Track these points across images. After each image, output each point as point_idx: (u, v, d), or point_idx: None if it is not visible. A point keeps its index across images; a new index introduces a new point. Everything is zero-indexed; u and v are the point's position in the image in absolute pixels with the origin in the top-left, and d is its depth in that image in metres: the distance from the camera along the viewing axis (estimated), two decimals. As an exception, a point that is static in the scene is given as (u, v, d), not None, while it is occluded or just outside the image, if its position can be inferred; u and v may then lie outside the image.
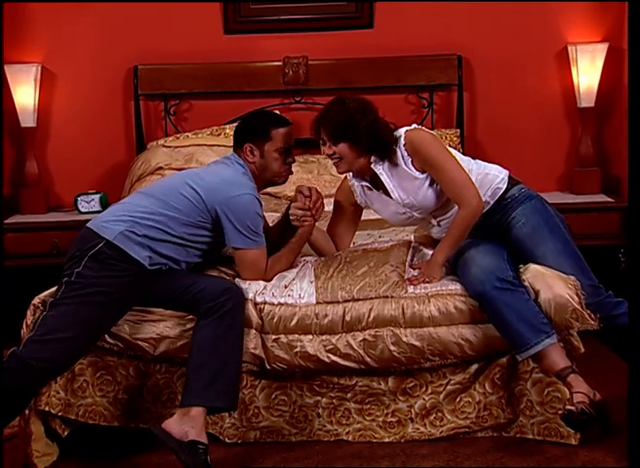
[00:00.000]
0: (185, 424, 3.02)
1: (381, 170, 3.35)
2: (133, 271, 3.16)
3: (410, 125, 3.42)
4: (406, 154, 3.31)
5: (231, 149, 3.46)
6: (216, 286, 3.20)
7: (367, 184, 3.42)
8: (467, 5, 4.85)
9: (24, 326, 3.21)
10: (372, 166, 3.35)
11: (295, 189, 3.48)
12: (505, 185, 3.39)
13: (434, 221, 3.41)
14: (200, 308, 3.15)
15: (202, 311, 3.15)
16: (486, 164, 3.46)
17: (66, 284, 3.13)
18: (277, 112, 3.55)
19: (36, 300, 3.25)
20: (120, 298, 3.16)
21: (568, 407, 2.98)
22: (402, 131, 3.35)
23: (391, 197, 3.37)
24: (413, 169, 3.31)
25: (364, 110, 3.30)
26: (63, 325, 3.07)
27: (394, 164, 3.33)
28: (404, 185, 3.34)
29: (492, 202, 3.37)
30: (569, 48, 4.80)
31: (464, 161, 3.39)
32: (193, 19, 4.91)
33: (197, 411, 3.05)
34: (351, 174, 3.45)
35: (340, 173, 3.42)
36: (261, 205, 3.32)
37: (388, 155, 3.33)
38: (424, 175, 3.31)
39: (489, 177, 3.40)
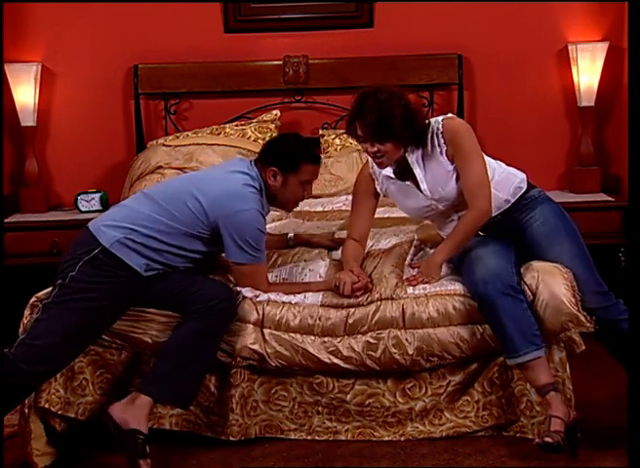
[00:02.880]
0: (128, 413, 3.04)
1: (414, 159, 3.31)
2: (127, 278, 3.16)
3: (446, 114, 3.42)
4: (442, 142, 3.28)
5: (230, 148, 3.43)
6: (206, 290, 3.18)
7: (391, 175, 3.37)
8: (468, 4, 4.85)
9: (22, 325, 3.21)
10: (406, 154, 3.31)
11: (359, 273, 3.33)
12: (526, 186, 3.39)
13: (455, 216, 3.37)
14: (188, 310, 3.16)
15: (189, 313, 3.16)
16: (506, 166, 3.46)
17: (60, 286, 3.13)
18: (313, 143, 3.46)
19: (34, 300, 3.25)
20: (113, 305, 3.15)
21: (546, 439, 2.99)
22: (439, 119, 3.32)
23: (419, 188, 3.34)
24: (446, 158, 3.28)
25: (396, 99, 3.22)
26: (54, 330, 3.06)
27: (428, 153, 3.30)
28: (434, 176, 3.30)
29: (512, 200, 3.36)
30: (569, 47, 4.80)
31: (490, 164, 3.37)
32: (193, 19, 4.91)
33: (144, 401, 3.07)
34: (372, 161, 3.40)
35: (382, 168, 3.33)
36: (265, 220, 3.30)
37: (423, 143, 3.29)
38: (454, 167, 3.28)
39: (510, 177, 3.40)
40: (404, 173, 3.36)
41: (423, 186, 3.32)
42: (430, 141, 3.29)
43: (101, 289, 3.11)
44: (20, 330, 3.20)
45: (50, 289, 3.21)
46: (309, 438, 3.32)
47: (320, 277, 3.39)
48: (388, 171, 3.38)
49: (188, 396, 3.17)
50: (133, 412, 3.05)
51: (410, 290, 3.27)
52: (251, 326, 3.25)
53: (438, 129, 3.29)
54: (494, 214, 3.34)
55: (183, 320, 3.17)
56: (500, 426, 3.30)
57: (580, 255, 3.31)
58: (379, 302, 3.25)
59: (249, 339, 3.23)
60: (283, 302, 3.28)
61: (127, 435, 3.02)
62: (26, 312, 3.23)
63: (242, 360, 3.25)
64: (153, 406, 3.12)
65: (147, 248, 3.18)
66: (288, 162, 3.29)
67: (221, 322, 3.18)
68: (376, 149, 3.23)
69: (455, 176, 3.28)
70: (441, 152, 3.28)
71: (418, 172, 3.31)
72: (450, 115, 3.39)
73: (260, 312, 3.26)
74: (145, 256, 3.18)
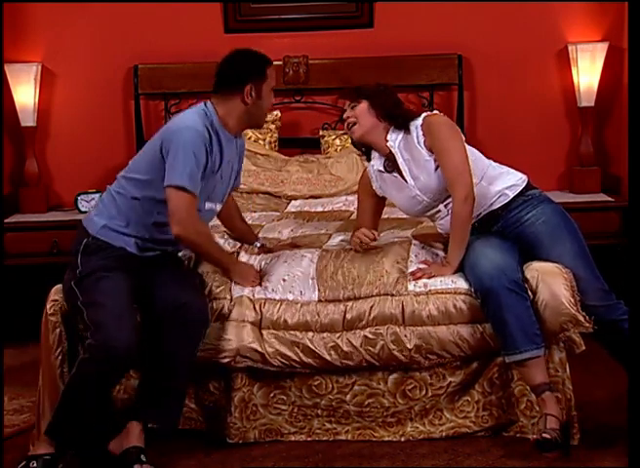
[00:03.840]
0: (123, 442, 3.09)
1: (397, 149, 3.37)
2: (124, 253, 3.21)
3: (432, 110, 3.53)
4: (421, 133, 3.33)
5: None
6: (176, 298, 3.16)
7: (381, 168, 3.44)
8: (468, 4, 4.86)
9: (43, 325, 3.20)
10: (388, 144, 3.37)
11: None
12: (525, 184, 3.40)
13: (442, 207, 3.39)
14: (160, 319, 3.18)
15: (162, 325, 3.17)
16: (508, 168, 3.48)
17: (77, 285, 3.16)
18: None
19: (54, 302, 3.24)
20: (128, 269, 3.18)
21: (543, 435, 3.00)
22: (423, 114, 3.40)
23: (404, 179, 3.38)
24: (424, 148, 3.32)
25: (387, 89, 3.48)
26: (106, 305, 3.07)
27: (408, 143, 3.35)
28: (414, 164, 3.35)
29: (511, 194, 3.36)
30: (569, 47, 4.80)
31: (483, 160, 3.41)
32: (193, 19, 4.91)
33: (133, 426, 3.10)
34: (371, 163, 3.49)
35: (355, 138, 3.43)
36: (205, 142, 3.18)
37: (405, 128, 3.36)
38: (433, 158, 3.32)
39: (508, 174, 3.41)
40: (392, 166, 3.42)
41: (407, 176, 3.37)
42: (412, 131, 3.35)
43: (107, 263, 3.17)
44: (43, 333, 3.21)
45: (58, 286, 3.26)
46: (309, 439, 3.32)
47: (312, 262, 3.37)
48: (379, 165, 3.44)
49: (176, 418, 3.19)
50: (127, 439, 3.08)
51: (410, 287, 3.26)
52: (249, 325, 3.25)
53: (419, 121, 3.36)
54: (495, 207, 3.36)
55: (158, 336, 3.16)
56: (500, 426, 3.30)
57: (581, 255, 3.31)
58: (377, 298, 3.25)
59: (248, 339, 3.23)
60: (280, 299, 3.28)
61: (121, 458, 3.06)
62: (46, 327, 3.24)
63: (242, 359, 3.25)
64: (142, 430, 3.12)
65: (130, 227, 3.22)
66: (254, 71, 3.28)
67: (192, 332, 3.16)
68: (350, 114, 3.38)
69: (433, 167, 3.32)
70: (418, 142, 3.33)
71: (400, 161, 3.36)
72: (435, 112, 3.45)
73: (258, 312, 3.26)
74: (132, 236, 3.22)
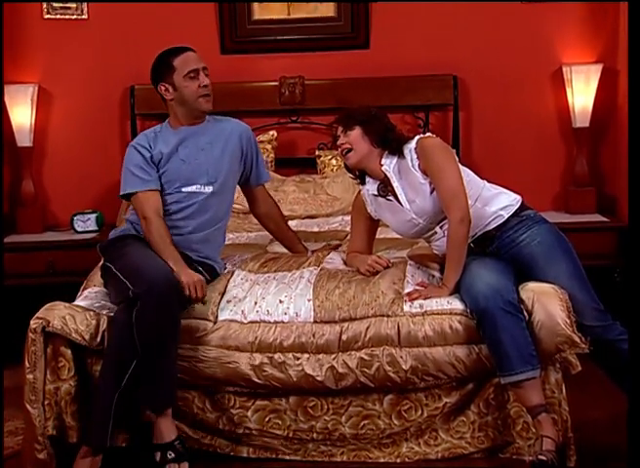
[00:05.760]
0: None
1: (391, 173, 3.38)
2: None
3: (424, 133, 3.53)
4: (415, 157, 3.35)
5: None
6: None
7: (375, 193, 3.46)
8: (463, 26, 4.89)
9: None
10: (383, 168, 3.39)
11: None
12: (520, 205, 3.42)
13: (438, 229, 3.40)
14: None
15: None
16: (502, 188, 3.50)
17: (102, 251, 3.46)
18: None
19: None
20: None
21: (540, 457, 3.00)
22: (416, 137, 3.42)
23: (400, 202, 3.40)
24: (419, 171, 3.34)
25: (378, 113, 3.49)
26: (134, 256, 3.26)
27: (403, 166, 3.37)
28: (410, 188, 3.36)
29: (506, 215, 3.38)
30: (563, 69, 4.83)
31: (477, 181, 3.42)
32: (190, 39, 4.83)
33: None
34: (365, 187, 3.50)
35: (350, 164, 3.47)
36: (142, 144, 3.53)
37: (399, 152, 3.38)
38: (427, 181, 3.33)
39: (502, 195, 3.43)
40: (386, 190, 3.44)
41: (402, 199, 3.38)
42: (406, 155, 3.37)
43: (128, 238, 3.42)
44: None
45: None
46: (305, 460, 3.31)
47: (309, 282, 3.37)
48: (373, 189, 3.46)
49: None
50: None
51: (406, 308, 3.25)
52: (242, 353, 3.23)
53: (412, 144, 3.38)
54: (490, 228, 3.37)
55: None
56: (495, 447, 3.29)
57: (577, 275, 3.32)
58: (373, 319, 3.25)
59: (240, 365, 3.22)
60: (275, 322, 3.27)
61: None
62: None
63: (233, 386, 3.26)
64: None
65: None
66: (161, 69, 3.51)
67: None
68: (344, 141, 3.40)
69: (428, 190, 3.33)
70: (413, 165, 3.35)
71: (396, 185, 3.38)
72: (428, 134, 3.47)
73: (252, 336, 3.24)
74: (129, 221, 3.53)
